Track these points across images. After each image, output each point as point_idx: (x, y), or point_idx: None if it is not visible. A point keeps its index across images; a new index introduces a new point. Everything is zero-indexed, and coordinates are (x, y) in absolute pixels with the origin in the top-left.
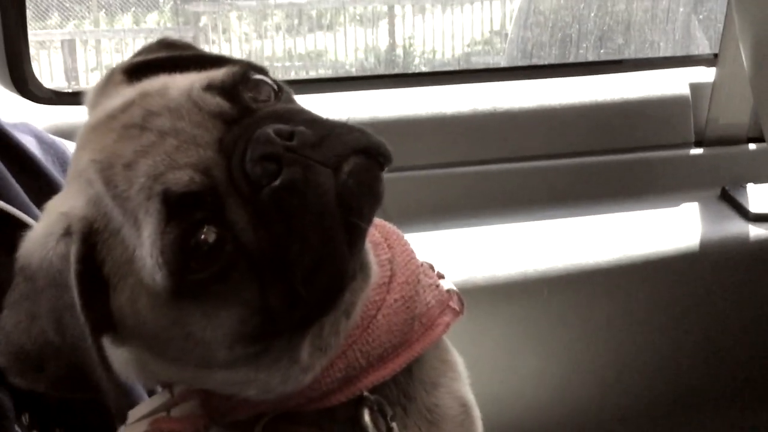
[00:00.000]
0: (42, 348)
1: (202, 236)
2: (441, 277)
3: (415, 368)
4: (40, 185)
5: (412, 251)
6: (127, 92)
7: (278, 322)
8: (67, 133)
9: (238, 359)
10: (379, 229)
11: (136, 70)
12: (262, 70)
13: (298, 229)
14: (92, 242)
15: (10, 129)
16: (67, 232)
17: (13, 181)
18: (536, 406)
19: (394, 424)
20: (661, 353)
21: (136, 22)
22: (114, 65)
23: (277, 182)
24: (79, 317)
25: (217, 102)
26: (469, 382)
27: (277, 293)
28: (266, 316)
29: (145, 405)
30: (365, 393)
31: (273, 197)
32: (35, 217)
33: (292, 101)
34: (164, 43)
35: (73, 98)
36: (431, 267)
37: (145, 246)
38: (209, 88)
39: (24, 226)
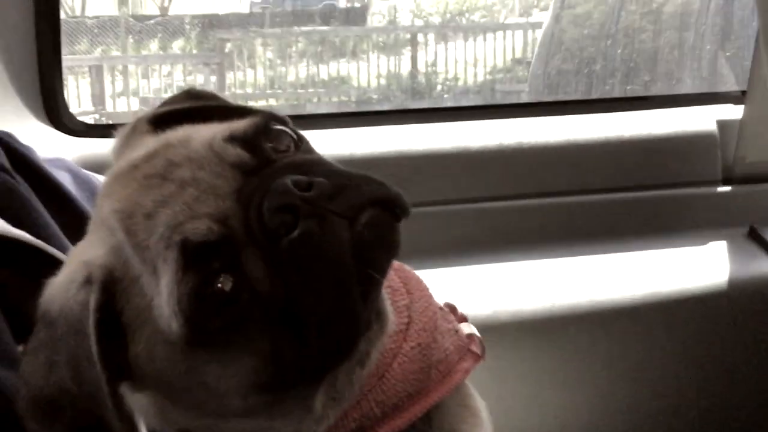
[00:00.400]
0: (59, 395)
1: (219, 285)
2: (463, 319)
3: (434, 414)
4: (77, 223)
5: (431, 296)
6: (151, 142)
7: (291, 372)
8: (99, 166)
9: (252, 408)
10: (398, 273)
11: (161, 120)
12: (282, 121)
13: (313, 281)
14: (112, 291)
15: (46, 165)
16: (87, 281)
17: (50, 219)
18: None
19: None
20: (688, 393)
21: (163, 49)
22: (139, 112)
23: (294, 234)
24: (96, 365)
25: (237, 153)
26: (492, 428)
27: (290, 344)
28: (279, 367)
29: None
30: None
31: (289, 248)
32: None
33: (312, 151)
34: (190, 94)
35: (105, 131)
36: (453, 309)
37: (162, 295)
38: (231, 139)
39: (61, 264)
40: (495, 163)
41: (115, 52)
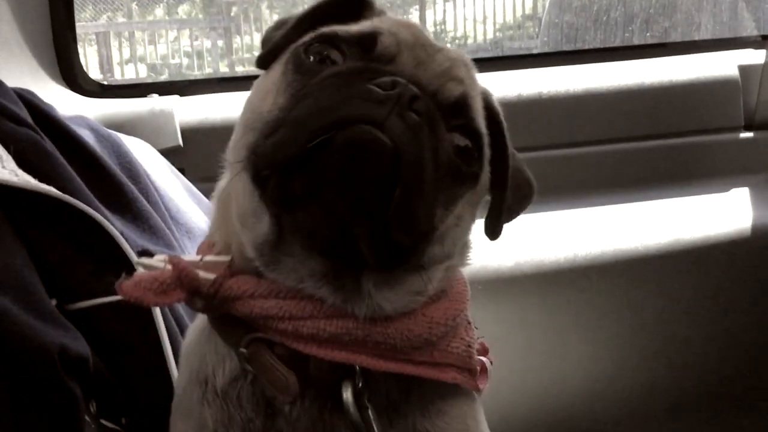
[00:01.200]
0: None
1: (334, 53)
2: (485, 352)
3: (414, 391)
4: (101, 178)
5: (466, 306)
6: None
7: (258, 141)
8: (115, 125)
9: (236, 153)
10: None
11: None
12: None
13: (319, 112)
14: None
15: (68, 122)
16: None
17: (75, 174)
18: (586, 393)
19: (370, 410)
20: (711, 341)
21: (168, 14)
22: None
23: (372, 87)
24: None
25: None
26: None
27: (276, 118)
28: (263, 129)
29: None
30: (357, 369)
31: (356, 89)
32: (97, 209)
33: None
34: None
35: (120, 91)
36: (483, 345)
37: (333, 28)
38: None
39: (88, 219)
40: (514, 113)
41: (120, 19)
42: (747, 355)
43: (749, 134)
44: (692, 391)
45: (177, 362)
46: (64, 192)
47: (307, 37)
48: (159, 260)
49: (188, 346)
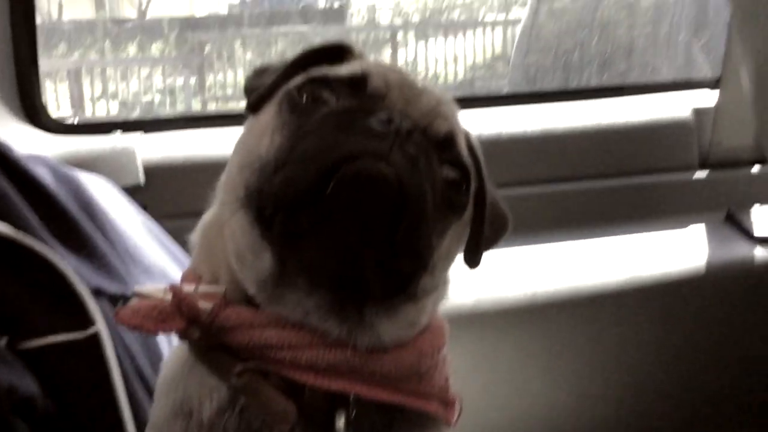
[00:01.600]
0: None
1: (326, 93)
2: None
3: (396, 425)
4: (57, 216)
5: (445, 343)
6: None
7: (257, 182)
8: (77, 162)
9: (231, 192)
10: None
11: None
12: None
13: (321, 151)
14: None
15: (25, 161)
16: (340, 46)
17: (29, 213)
18: (548, 429)
19: None
20: (670, 375)
21: (141, 51)
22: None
23: (371, 124)
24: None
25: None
26: None
27: (276, 160)
28: (261, 170)
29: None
30: (351, 398)
31: (356, 126)
32: (52, 248)
33: None
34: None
35: (83, 128)
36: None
37: (323, 70)
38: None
39: (41, 258)
40: None
41: (93, 56)
42: (703, 391)
43: (703, 174)
44: (652, 426)
45: (130, 402)
46: (17, 230)
47: (298, 79)
48: (158, 289)
49: (168, 378)
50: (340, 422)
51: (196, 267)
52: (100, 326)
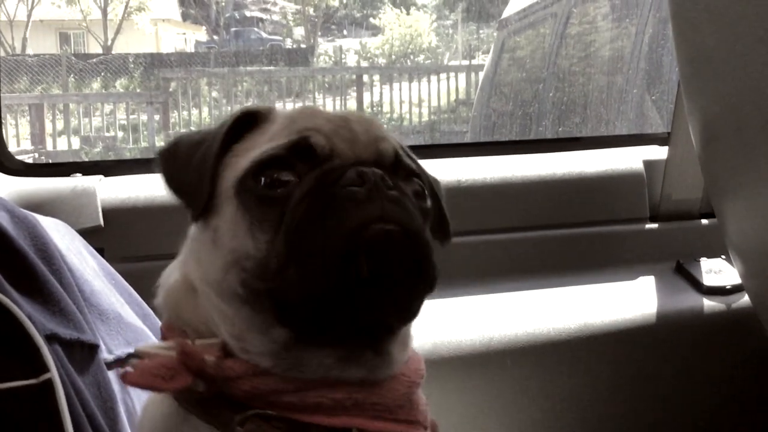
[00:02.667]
0: (187, 149)
1: (284, 174)
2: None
3: None
4: (11, 259)
5: (423, 369)
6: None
7: (266, 281)
8: (37, 205)
9: (229, 294)
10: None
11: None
12: None
13: (322, 228)
14: (251, 127)
15: None
16: (247, 112)
17: None
18: None
19: None
20: (621, 421)
21: (105, 87)
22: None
23: (352, 188)
24: (217, 144)
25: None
26: None
27: (278, 255)
28: (260, 269)
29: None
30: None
31: (340, 195)
32: (5, 292)
33: None
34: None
35: (43, 170)
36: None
37: (261, 149)
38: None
39: None
40: None
41: (56, 91)
42: None
43: (654, 225)
44: None
45: None
46: None
47: (246, 167)
48: (159, 345)
49: (156, 430)
50: None
51: (174, 324)
52: (54, 372)
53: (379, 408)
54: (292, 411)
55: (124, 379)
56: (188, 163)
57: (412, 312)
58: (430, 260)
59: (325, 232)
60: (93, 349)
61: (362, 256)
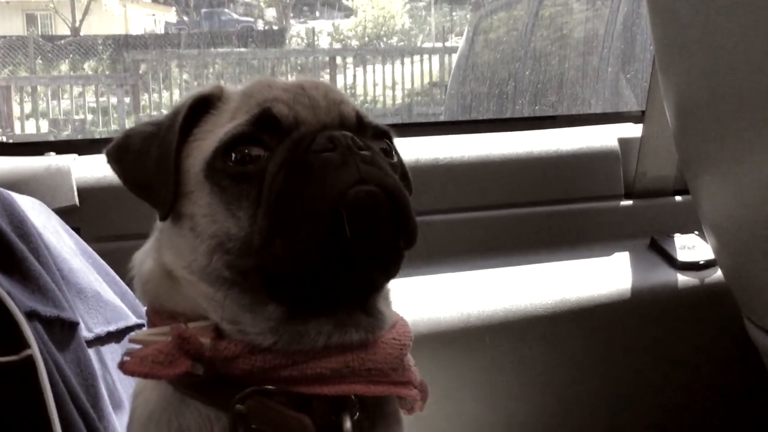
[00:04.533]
0: (141, 143)
1: (254, 149)
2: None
3: (378, 425)
4: None
5: (411, 332)
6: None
7: (250, 259)
8: (10, 183)
9: (214, 276)
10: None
11: None
12: None
13: (301, 195)
14: (209, 107)
15: None
16: (202, 94)
17: None
18: None
19: None
20: (596, 395)
21: (74, 69)
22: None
23: (323, 155)
24: (175, 134)
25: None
26: None
27: (261, 230)
28: (244, 247)
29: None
30: (354, 399)
31: (316, 163)
32: None
33: None
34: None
35: (16, 149)
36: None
37: (222, 130)
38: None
39: None
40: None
41: (23, 73)
42: (626, 411)
43: (629, 202)
44: None
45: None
46: None
47: (212, 149)
48: (155, 332)
49: (153, 415)
50: (347, 424)
51: (158, 309)
52: (34, 349)
53: (375, 373)
54: (291, 384)
55: (123, 368)
56: (144, 158)
57: (395, 267)
58: (410, 214)
59: (307, 201)
60: (73, 326)
61: (347, 220)
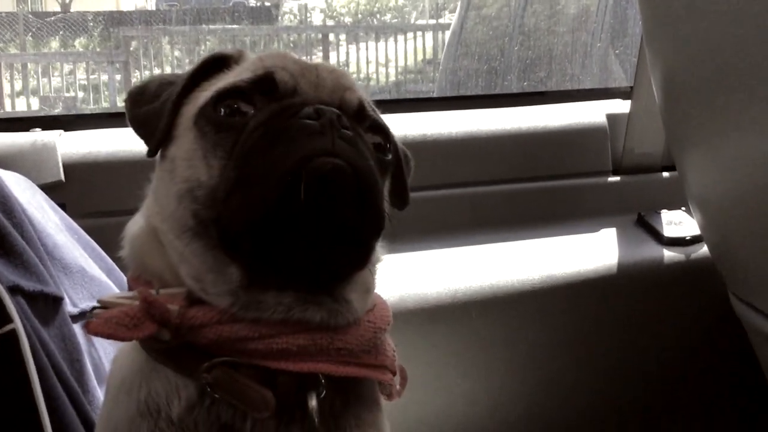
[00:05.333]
0: (155, 88)
1: (244, 105)
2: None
3: (351, 406)
4: None
5: (390, 316)
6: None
7: (212, 211)
8: None
9: (183, 227)
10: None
11: None
12: None
13: (273, 156)
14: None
15: None
16: (222, 53)
17: None
18: (466, 427)
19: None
20: (582, 372)
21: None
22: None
23: (306, 121)
24: (180, 85)
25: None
26: None
27: (226, 181)
28: (210, 196)
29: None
30: (321, 378)
31: (294, 126)
32: None
33: None
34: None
35: (2, 124)
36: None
37: (224, 82)
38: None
39: None
40: None
41: (13, 50)
42: (614, 385)
43: (616, 178)
44: (567, 421)
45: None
46: None
47: (208, 97)
48: (122, 296)
49: (126, 380)
50: (313, 402)
51: (140, 275)
52: (17, 323)
53: (344, 353)
54: (258, 358)
55: (87, 327)
56: (154, 100)
57: (357, 254)
58: (376, 201)
59: (272, 159)
60: (57, 301)
61: (305, 184)
